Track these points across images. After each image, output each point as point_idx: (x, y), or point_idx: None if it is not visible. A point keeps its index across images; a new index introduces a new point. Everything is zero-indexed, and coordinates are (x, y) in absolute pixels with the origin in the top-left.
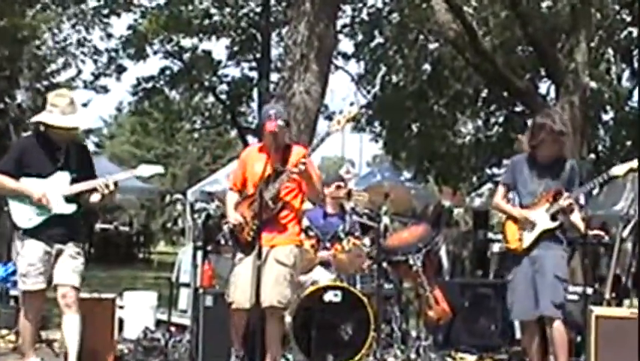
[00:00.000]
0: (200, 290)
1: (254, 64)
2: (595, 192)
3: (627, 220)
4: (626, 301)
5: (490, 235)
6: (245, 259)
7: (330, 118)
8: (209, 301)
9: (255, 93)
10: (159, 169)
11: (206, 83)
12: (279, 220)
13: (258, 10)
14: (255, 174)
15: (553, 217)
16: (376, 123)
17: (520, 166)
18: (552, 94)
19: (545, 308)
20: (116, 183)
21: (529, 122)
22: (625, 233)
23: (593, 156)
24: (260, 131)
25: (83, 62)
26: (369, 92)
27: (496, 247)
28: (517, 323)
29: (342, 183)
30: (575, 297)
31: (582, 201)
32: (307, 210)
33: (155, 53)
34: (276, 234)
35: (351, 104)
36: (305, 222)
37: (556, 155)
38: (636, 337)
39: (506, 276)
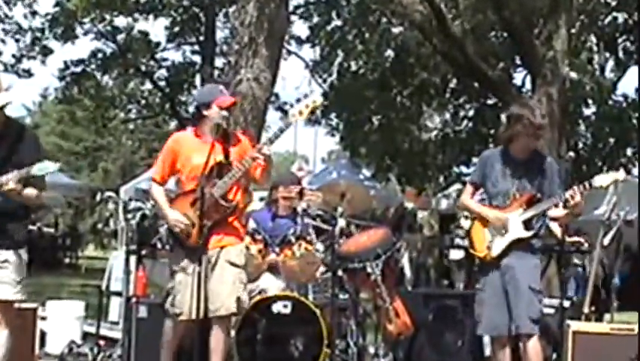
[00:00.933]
0: (133, 300)
1: (196, 47)
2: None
3: (609, 226)
4: (607, 316)
5: (458, 240)
6: (191, 265)
7: (281, 109)
8: (142, 312)
9: (197, 80)
10: (54, 166)
11: (143, 68)
12: (227, 219)
13: None
14: (194, 167)
15: (527, 224)
16: (333, 115)
17: (492, 162)
18: (528, 85)
19: (522, 325)
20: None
21: (503, 115)
22: (606, 240)
23: (572, 154)
24: (198, 115)
25: (3, 41)
26: (325, 80)
27: (455, 254)
28: (486, 339)
29: (296, 187)
30: (551, 310)
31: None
32: (254, 211)
33: (86, 33)
34: (224, 235)
35: (305, 95)
36: (251, 225)
37: (533, 151)
38: (616, 355)
39: (477, 286)
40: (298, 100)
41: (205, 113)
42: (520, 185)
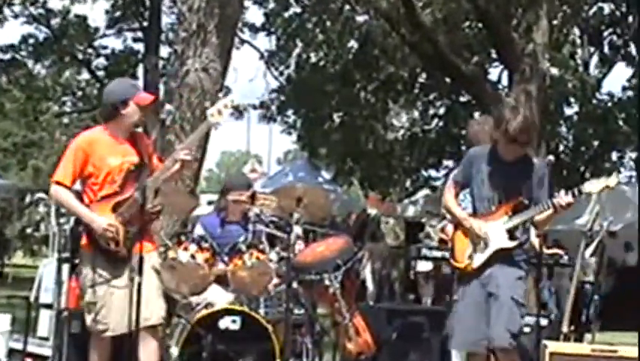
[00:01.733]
0: (65, 313)
1: (139, 34)
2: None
3: (591, 237)
4: (588, 336)
5: (426, 251)
6: (116, 277)
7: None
8: (75, 326)
9: (140, 70)
10: None
11: (80, 56)
12: (148, 224)
13: None
14: (111, 169)
15: (512, 234)
16: (290, 112)
17: (479, 162)
18: (504, 81)
19: (498, 337)
20: None
21: (477, 113)
22: (588, 252)
23: (552, 157)
24: (111, 113)
25: None
26: (281, 73)
27: (422, 266)
28: (455, 358)
29: (248, 191)
30: (527, 329)
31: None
32: (201, 215)
33: (16, 16)
34: (145, 241)
35: (226, 88)
36: (198, 231)
37: (519, 154)
38: None
39: (455, 297)
40: (214, 102)
41: (122, 111)
42: (506, 190)
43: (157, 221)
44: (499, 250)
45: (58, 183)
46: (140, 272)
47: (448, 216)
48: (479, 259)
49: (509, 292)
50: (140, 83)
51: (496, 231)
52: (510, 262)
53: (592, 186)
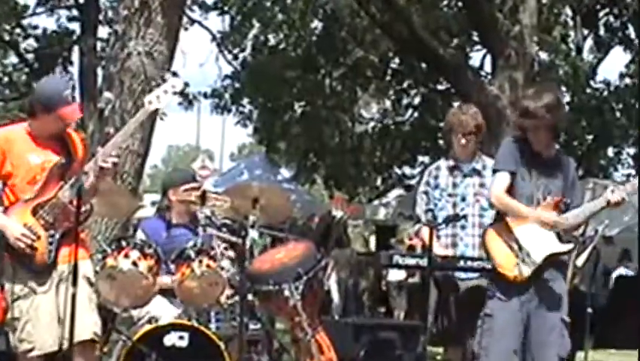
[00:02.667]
0: None
1: (75, 12)
2: None
3: (583, 244)
4: (580, 354)
5: (398, 258)
6: (38, 289)
7: (181, 92)
8: (1, 344)
9: (75, 54)
10: None
11: (6, 37)
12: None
13: None
14: (32, 168)
15: (562, 236)
16: (245, 101)
17: (518, 153)
18: (487, 67)
19: None
20: None
21: (456, 104)
22: (580, 261)
23: None
24: (35, 111)
25: None
26: (236, 57)
27: (394, 275)
28: None
29: (195, 184)
30: None
31: None
32: (143, 218)
33: None
34: (74, 247)
35: (173, 73)
36: (140, 236)
37: (552, 147)
38: None
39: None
40: (159, 84)
41: (43, 118)
42: (546, 188)
43: (91, 225)
44: (550, 256)
45: None
46: (75, 282)
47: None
48: (528, 264)
49: (559, 311)
50: (76, 68)
51: (543, 233)
52: (559, 272)
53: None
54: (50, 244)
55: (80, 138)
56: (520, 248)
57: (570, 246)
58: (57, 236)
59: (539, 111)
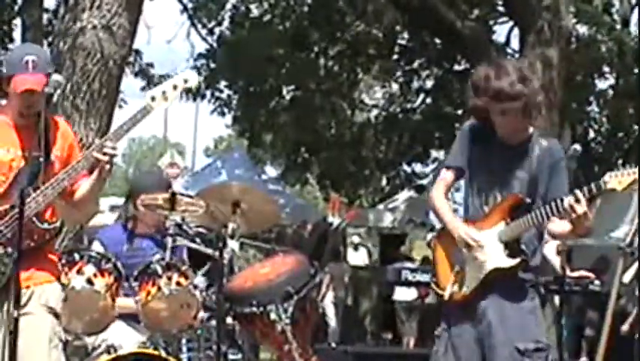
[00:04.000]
0: None
1: None
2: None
3: (632, 255)
4: None
5: (407, 273)
6: None
7: (144, 74)
8: None
9: (17, 29)
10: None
11: None
12: (41, 247)
13: None
14: None
15: (512, 247)
16: (222, 85)
17: (477, 142)
18: (515, 44)
19: None
20: None
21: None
22: (627, 276)
23: (578, 146)
24: (4, 87)
25: None
26: (211, 31)
27: (402, 294)
28: None
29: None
30: None
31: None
32: (102, 226)
33: None
34: (35, 270)
35: (187, 61)
36: (97, 247)
37: (521, 134)
38: None
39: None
40: (166, 76)
41: (5, 89)
42: (503, 182)
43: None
44: (494, 271)
45: None
46: (16, 304)
47: (436, 221)
48: (470, 280)
49: (511, 337)
50: (17, 45)
51: (490, 243)
52: (514, 288)
53: (615, 180)
54: (4, 265)
55: (72, 134)
56: (462, 260)
57: (515, 261)
58: (14, 256)
59: (504, 91)
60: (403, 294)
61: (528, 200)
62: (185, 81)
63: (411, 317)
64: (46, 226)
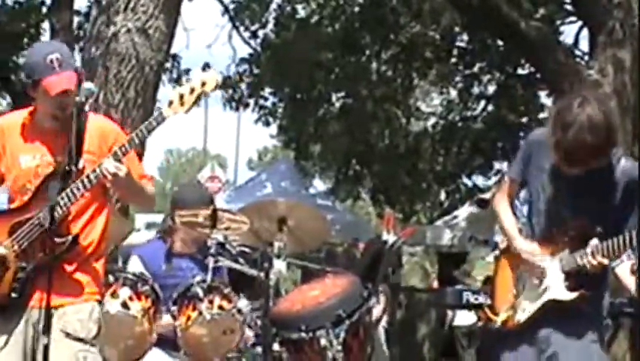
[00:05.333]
0: None
1: None
2: None
3: None
4: None
5: (469, 295)
6: (0, 335)
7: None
8: None
9: (46, 31)
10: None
11: None
12: (67, 263)
13: None
14: (22, 173)
15: (573, 278)
16: (267, 92)
17: (543, 154)
18: (584, 45)
19: None
20: None
21: (548, 100)
22: None
23: None
24: (30, 92)
25: None
26: (254, 34)
27: (463, 318)
28: None
29: (206, 210)
30: None
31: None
32: (137, 246)
33: None
34: (60, 288)
35: (206, 65)
36: (134, 267)
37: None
38: None
39: None
40: (187, 76)
41: (33, 95)
42: (576, 206)
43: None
44: (550, 302)
45: None
46: (46, 330)
47: (500, 236)
48: (525, 311)
49: None
50: None
51: (551, 271)
52: (575, 318)
53: None
54: (18, 279)
55: (115, 131)
56: (521, 284)
57: (573, 295)
58: (28, 269)
59: (563, 148)
60: (464, 318)
61: (599, 230)
62: (204, 84)
63: (472, 343)
64: (56, 239)
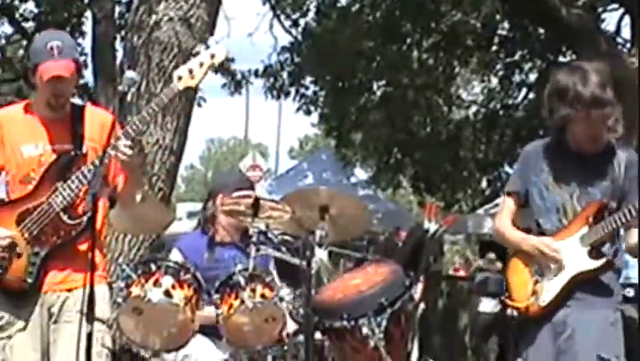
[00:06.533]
0: None
1: None
2: None
3: None
4: None
5: None
6: (16, 322)
7: (225, 70)
8: None
9: (87, 21)
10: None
11: None
12: (78, 246)
13: None
14: (24, 162)
15: (596, 251)
16: (308, 81)
17: (539, 160)
18: (626, 33)
19: None
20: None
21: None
22: None
23: None
24: (31, 78)
25: None
26: (295, 22)
27: (486, 306)
28: None
29: (251, 193)
30: None
31: None
32: (180, 235)
33: None
34: (71, 271)
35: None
36: (175, 257)
37: (600, 139)
38: None
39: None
40: (195, 53)
41: (32, 80)
42: (582, 192)
43: (111, 243)
44: (577, 276)
45: None
46: (90, 316)
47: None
48: (549, 290)
49: (594, 346)
50: (88, 40)
51: (571, 250)
52: (596, 295)
53: None
54: (32, 264)
55: (112, 120)
56: (539, 270)
57: (600, 263)
58: (42, 254)
59: (596, 97)
60: (486, 306)
61: (613, 204)
62: (213, 56)
63: (493, 330)
64: (70, 221)
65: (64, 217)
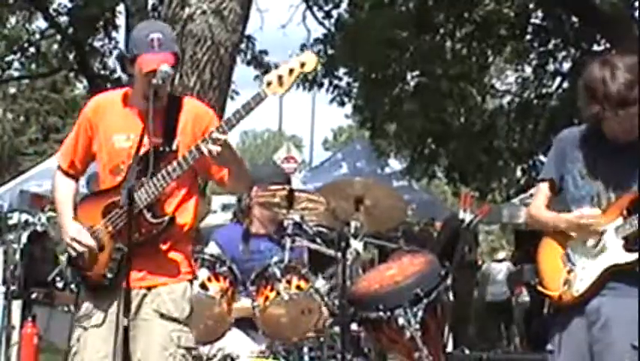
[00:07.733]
0: None
1: None
2: None
3: None
4: None
5: None
6: (96, 313)
7: (257, 62)
8: None
9: (121, 14)
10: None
11: None
12: (160, 245)
13: None
14: (115, 152)
15: (630, 243)
16: (341, 72)
17: (572, 149)
18: None
19: None
20: None
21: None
22: None
23: None
24: (126, 71)
25: None
26: (328, 14)
27: (495, 294)
28: None
29: (287, 186)
30: None
31: None
32: (215, 227)
33: None
34: (154, 268)
35: (303, 47)
36: (211, 249)
37: (633, 132)
38: None
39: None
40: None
41: (129, 70)
42: (617, 183)
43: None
44: (611, 268)
45: (58, 166)
46: (126, 312)
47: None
48: (583, 279)
49: (629, 335)
50: (121, 34)
51: (608, 235)
52: (630, 285)
53: None
54: (113, 260)
55: (209, 116)
56: (573, 259)
57: (635, 256)
58: (125, 250)
59: (614, 98)
60: (495, 293)
61: None
62: (303, 65)
63: (501, 316)
64: (153, 219)
65: (148, 215)
